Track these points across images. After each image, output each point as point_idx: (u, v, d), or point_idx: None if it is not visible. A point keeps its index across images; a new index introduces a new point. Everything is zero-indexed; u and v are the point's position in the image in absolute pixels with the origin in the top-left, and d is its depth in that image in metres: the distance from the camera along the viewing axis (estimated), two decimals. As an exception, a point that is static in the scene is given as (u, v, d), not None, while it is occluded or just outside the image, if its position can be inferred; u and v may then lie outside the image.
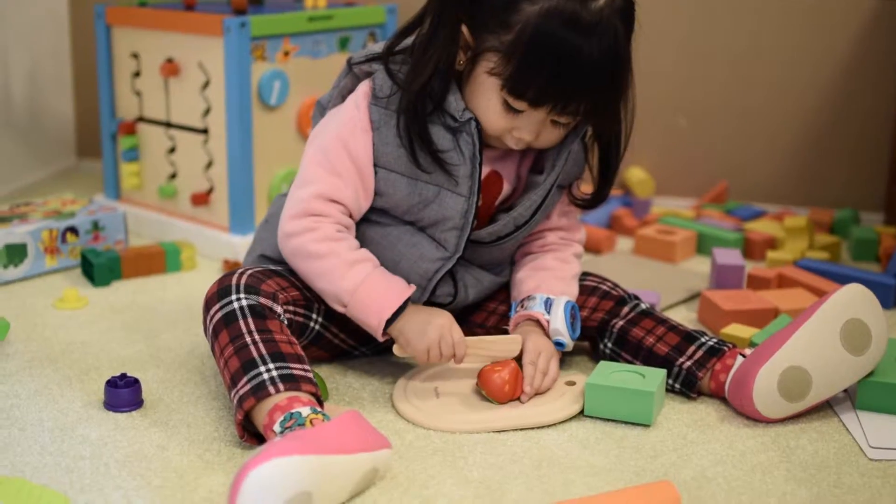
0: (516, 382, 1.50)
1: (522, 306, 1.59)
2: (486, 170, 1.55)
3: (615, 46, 1.40)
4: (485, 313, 1.69)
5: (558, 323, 1.56)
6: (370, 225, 1.56)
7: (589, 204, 1.63)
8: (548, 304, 1.57)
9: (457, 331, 1.50)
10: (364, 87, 1.52)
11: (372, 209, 1.55)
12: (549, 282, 1.61)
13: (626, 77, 1.45)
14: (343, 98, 1.57)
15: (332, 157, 1.51)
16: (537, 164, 1.60)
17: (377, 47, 1.54)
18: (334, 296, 1.50)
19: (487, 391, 1.50)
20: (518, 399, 1.51)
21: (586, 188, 1.64)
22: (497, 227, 1.57)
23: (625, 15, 1.42)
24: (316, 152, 1.52)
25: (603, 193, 1.61)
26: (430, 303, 1.59)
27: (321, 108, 1.61)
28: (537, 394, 1.52)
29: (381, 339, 1.50)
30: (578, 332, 1.59)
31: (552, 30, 1.38)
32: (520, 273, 1.65)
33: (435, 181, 1.51)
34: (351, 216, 1.53)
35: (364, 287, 1.48)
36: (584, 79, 1.40)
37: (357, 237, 1.55)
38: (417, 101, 1.47)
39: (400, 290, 1.50)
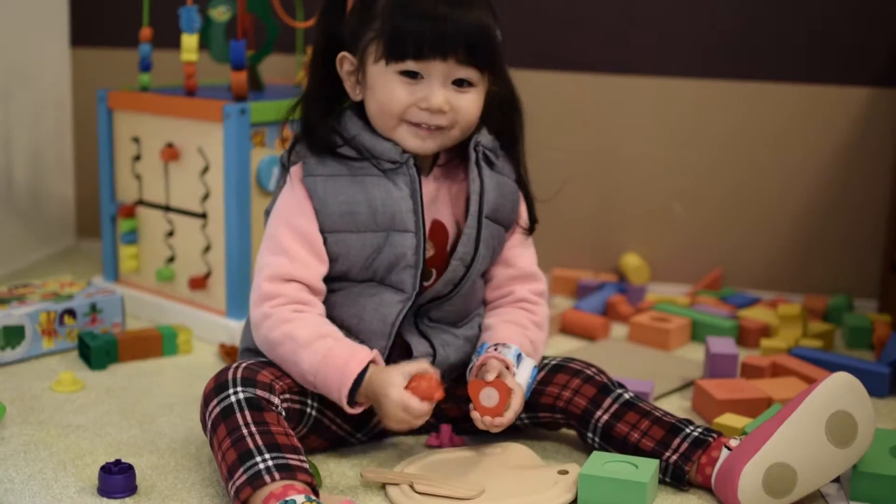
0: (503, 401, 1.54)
1: (496, 349, 1.60)
2: (429, 220, 1.60)
3: None
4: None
5: (522, 380, 1.58)
6: (332, 293, 1.61)
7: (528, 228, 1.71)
8: (519, 359, 1.60)
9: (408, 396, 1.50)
10: (294, 169, 1.59)
11: (332, 279, 1.60)
12: (522, 341, 1.64)
13: (491, 20, 1.54)
14: None
15: (278, 238, 1.58)
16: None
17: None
18: (301, 378, 1.54)
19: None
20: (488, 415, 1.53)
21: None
22: (449, 273, 1.61)
23: None
24: (264, 242, 1.60)
25: (531, 214, 1.70)
26: None
27: (267, 215, 1.65)
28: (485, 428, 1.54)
29: (348, 410, 1.52)
30: (528, 395, 1.61)
31: None
32: (492, 319, 1.69)
33: (382, 226, 1.56)
34: (311, 289, 1.57)
35: (323, 365, 1.51)
36: (447, 14, 1.49)
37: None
38: (311, 109, 1.62)
39: (359, 359, 1.52)
